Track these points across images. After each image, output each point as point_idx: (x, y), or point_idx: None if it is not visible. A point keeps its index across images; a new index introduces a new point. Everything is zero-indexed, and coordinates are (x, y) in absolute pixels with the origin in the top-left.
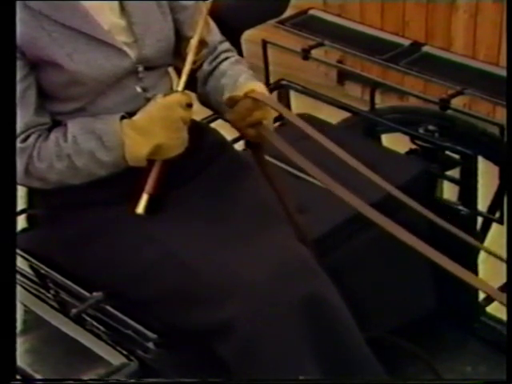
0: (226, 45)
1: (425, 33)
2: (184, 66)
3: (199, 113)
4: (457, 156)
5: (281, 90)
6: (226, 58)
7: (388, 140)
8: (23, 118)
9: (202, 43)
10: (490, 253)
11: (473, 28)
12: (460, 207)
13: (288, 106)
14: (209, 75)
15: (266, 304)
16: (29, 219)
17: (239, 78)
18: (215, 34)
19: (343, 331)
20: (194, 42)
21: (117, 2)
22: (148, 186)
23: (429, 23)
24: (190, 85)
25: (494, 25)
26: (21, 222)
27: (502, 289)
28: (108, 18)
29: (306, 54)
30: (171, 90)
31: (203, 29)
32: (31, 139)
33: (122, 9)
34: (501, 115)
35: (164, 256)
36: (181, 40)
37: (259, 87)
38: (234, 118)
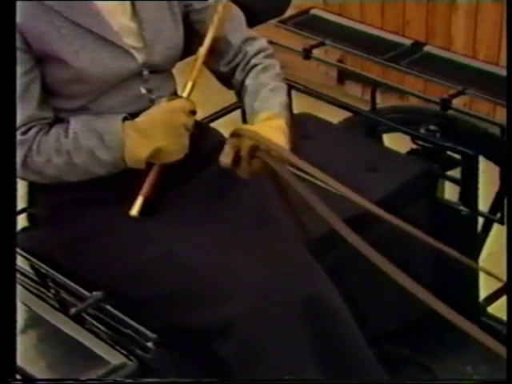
0: (256, 45)
1: (425, 32)
2: (191, 73)
3: (199, 113)
4: (458, 156)
5: None
6: (254, 66)
7: (389, 140)
8: (26, 110)
9: (222, 41)
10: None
11: (473, 28)
12: (461, 207)
13: (290, 105)
14: (241, 86)
15: (267, 304)
16: (30, 218)
17: (254, 103)
18: (239, 31)
19: (344, 331)
20: (202, 51)
21: (129, 5)
22: (144, 189)
23: (429, 23)
24: (226, 83)
25: (494, 24)
26: (21, 222)
27: (502, 289)
28: (119, 19)
29: (307, 54)
30: (176, 95)
31: (214, 33)
32: (32, 132)
33: (134, 12)
34: (501, 115)
35: (164, 255)
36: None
37: (265, 116)
38: (230, 160)
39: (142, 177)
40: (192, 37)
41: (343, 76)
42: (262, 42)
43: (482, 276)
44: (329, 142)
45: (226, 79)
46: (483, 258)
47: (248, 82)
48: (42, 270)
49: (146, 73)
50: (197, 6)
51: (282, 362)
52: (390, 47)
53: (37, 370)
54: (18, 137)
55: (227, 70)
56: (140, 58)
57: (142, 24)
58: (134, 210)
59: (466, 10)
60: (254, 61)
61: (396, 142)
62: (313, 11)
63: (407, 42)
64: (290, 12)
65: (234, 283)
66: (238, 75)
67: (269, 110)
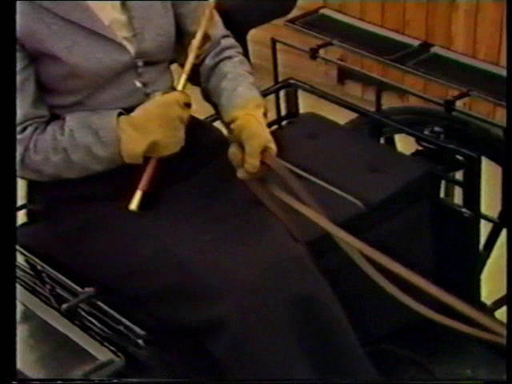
0: (230, 40)
1: (425, 32)
2: (184, 65)
3: (203, 112)
4: (462, 158)
5: (289, 89)
6: (230, 58)
7: (398, 141)
8: (21, 109)
9: (205, 37)
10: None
11: (473, 27)
12: (463, 209)
13: (296, 105)
14: (210, 71)
15: (259, 302)
16: (29, 214)
17: (238, 87)
18: (219, 28)
19: (336, 331)
20: (195, 43)
21: None
22: (142, 183)
23: (429, 22)
24: (193, 77)
25: (495, 24)
26: (20, 218)
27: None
28: (109, 13)
29: (314, 54)
30: (171, 88)
31: (206, 26)
32: (28, 131)
33: (124, 5)
34: (501, 115)
35: (158, 252)
36: (183, 35)
37: (256, 102)
38: (250, 177)
39: (139, 172)
40: None
41: (343, 75)
42: (233, 40)
43: (491, 281)
44: (333, 142)
45: (195, 74)
46: None
47: (227, 69)
48: (38, 267)
49: (140, 64)
50: None
51: (272, 361)
52: (396, 48)
53: (25, 364)
54: None
55: (198, 61)
56: (132, 48)
57: (131, 13)
58: (133, 205)
59: (466, 10)
60: (228, 52)
61: (405, 143)
62: (322, 11)
63: (414, 42)
64: (294, 12)
65: (226, 281)
66: (209, 61)
67: (255, 96)
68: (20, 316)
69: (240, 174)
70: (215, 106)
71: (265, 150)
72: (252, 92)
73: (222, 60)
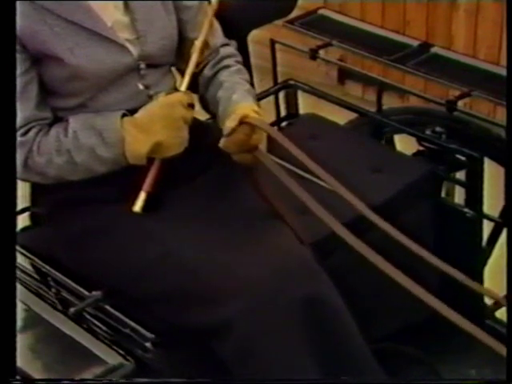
0: (229, 49)
1: (425, 32)
2: (187, 67)
3: (204, 112)
4: (464, 158)
5: (288, 90)
6: (227, 67)
7: (399, 141)
8: (24, 111)
9: (205, 45)
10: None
11: (473, 27)
12: (465, 209)
13: (296, 106)
14: (209, 82)
15: (266, 304)
16: (32, 217)
17: (233, 95)
18: (218, 37)
19: (343, 332)
20: (198, 44)
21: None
22: (146, 184)
23: (429, 22)
24: (193, 86)
25: (495, 24)
26: (23, 221)
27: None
28: (112, 14)
29: (313, 54)
30: (174, 89)
31: (207, 30)
32: (31, 133)
33: (126, 6)
34: (502, 115)
35: (164, 255)
36: (183, 40)
37: (251, 108)
38: (232, 146)
39: (142, 173)
40: None
41: (344, 76)
42: (233, 49)
43: (491, 281)
44: (334, 143)
45: (194, 83)
46: None
47: (223, 78)
48: (44, 270)
49: (143, 66)
50: (184, 4)
51: (279, 362)
52: (396, 48)
53: (33, 369)
54: (18, 138)
55: (198, 70)
56: (134, 50)
57: (134, 15)
58: (137, 206)
59: (466, 10)
60: (226, 62)
61: (406, 143)
62: (320, 11)
63: (414, 42)
64: (294, 13)
65: (232, 283)
66: (207, 71)
67: (249, 103)
68: (28, 321)
69: (221, 142)
70: (213, 114)
71: (256, 148)
72: (246, 99)
73: (219, 70)
